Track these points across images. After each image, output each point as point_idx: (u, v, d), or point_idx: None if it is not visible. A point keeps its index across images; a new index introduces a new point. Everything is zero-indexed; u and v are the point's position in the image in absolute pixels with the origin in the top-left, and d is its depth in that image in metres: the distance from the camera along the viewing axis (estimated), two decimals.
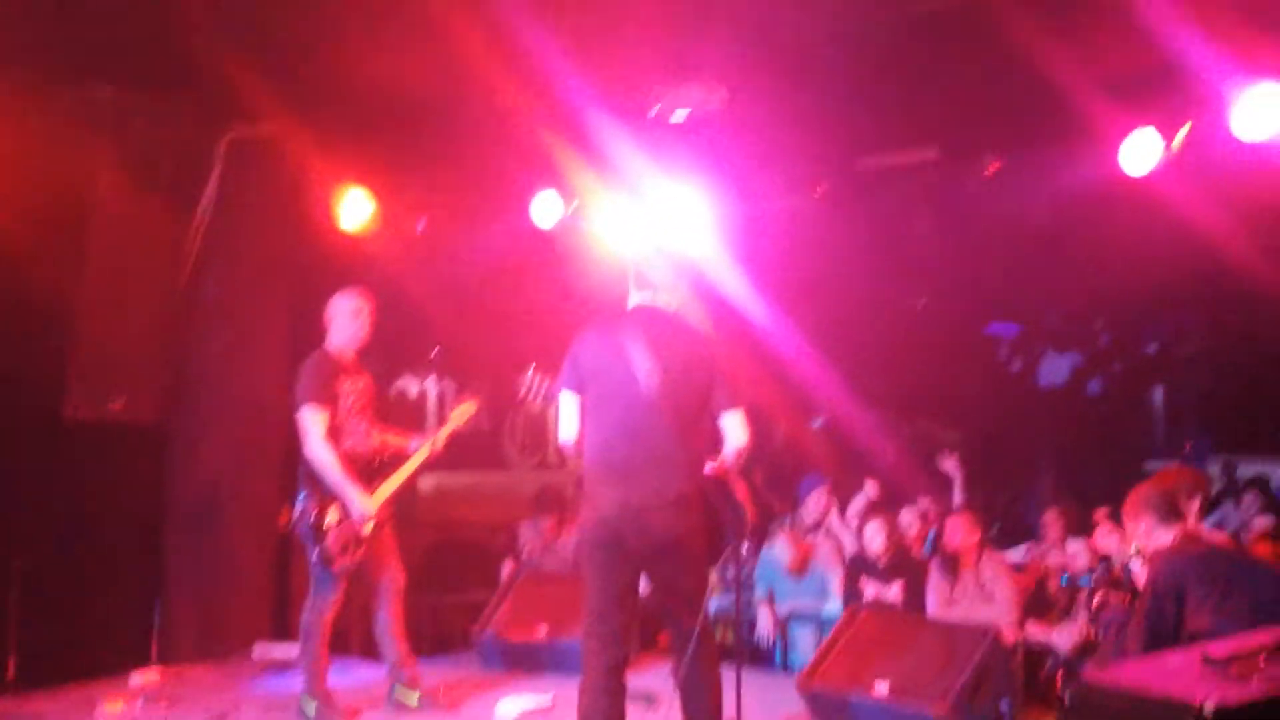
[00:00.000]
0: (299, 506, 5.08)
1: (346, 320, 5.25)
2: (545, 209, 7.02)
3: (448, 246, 7.51)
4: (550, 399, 4.41)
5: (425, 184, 7.08)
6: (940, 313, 8.66)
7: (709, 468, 4.19)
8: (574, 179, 6.78)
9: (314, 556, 5.05)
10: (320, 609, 5.10)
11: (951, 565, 5.94)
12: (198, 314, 6.55)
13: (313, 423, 5.01)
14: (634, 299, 4.32)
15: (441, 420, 10.26)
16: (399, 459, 5.31)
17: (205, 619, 6.45)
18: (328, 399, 5.06)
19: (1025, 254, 7.21)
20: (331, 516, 5.03)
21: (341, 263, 6.94)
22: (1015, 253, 7.21)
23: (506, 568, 7.12)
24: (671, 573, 4.12)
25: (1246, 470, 9.89)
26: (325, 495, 5.03)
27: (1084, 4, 4.66)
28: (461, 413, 5.51)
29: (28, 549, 5.92)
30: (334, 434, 5.04)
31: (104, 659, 5.93)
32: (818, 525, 6.87)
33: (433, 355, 10.38)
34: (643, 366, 4.06)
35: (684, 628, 4.12)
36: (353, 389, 5.21)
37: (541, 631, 6.14)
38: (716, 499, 4.24)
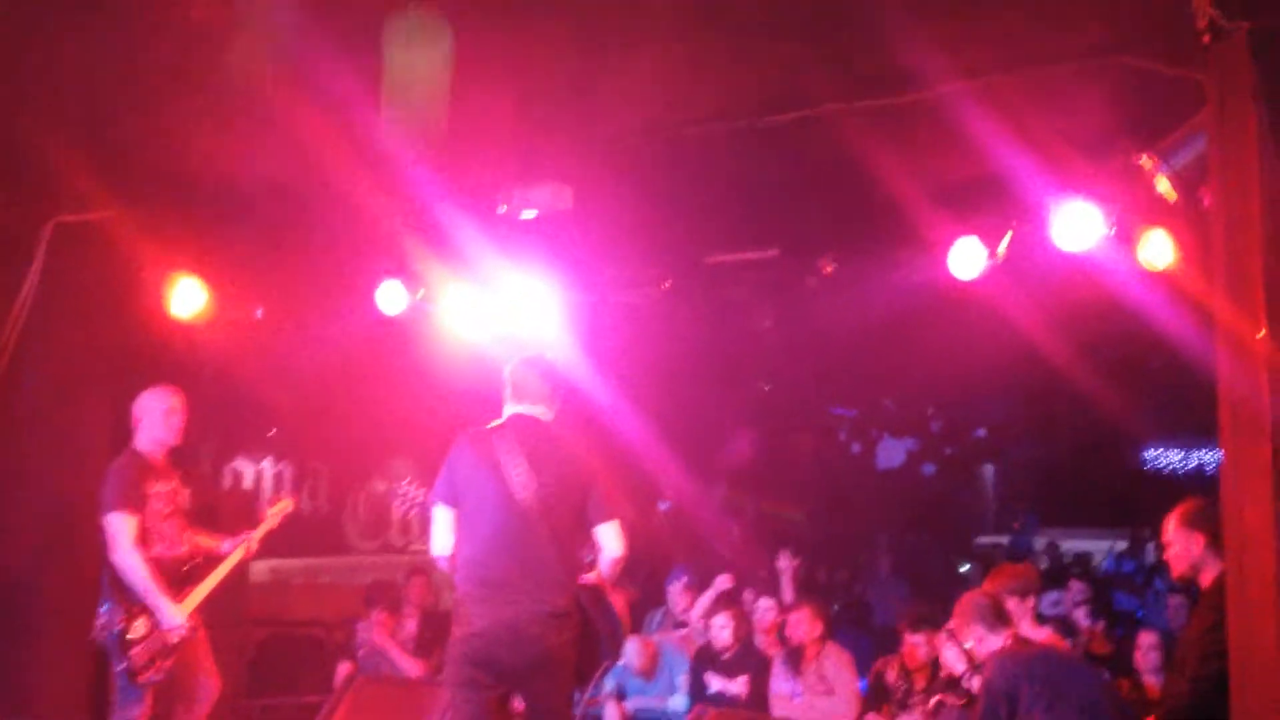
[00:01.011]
0: (103, 616, 4.88)
1: (158, 419, 5.11)
2: (391, 297, 6.92)
3: (288, 333, 7.31)
4: (426, 508, 4.37)
5: (263, 271, 6.88)
6: (784, 398, 8.87)
7: (584, 579, 4.17)
8: (421, 268, 6.72)
9: (119, 668, 4.83)
10: None
11: (795, 659, 6.02)
12: (14, 407, 6.16)
13: (120, 529, 4.83)
14: (510, 409, 4.28)
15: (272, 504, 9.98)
16: (212, 561, 5.17)
17: None
18: (136, 503, 4.90)
19: (862, 346, 7.47)
20: (139, 628, 4.84)
21: (173, 353, 6.69)
22: (853, 345, 7.46)
23: (342, 669, 6.86)
24: (543, 688, 4.06)
25: (1072, 545, 10.41)
26: (132, 604, 4.85)
27: (912, 118, 4.88)
28: (277, 511, 5.47)
29: None
30: (143, 539, 4.88)
31: None
32: (682, 623, 6.89)
33: (270, 436, 10.08)
34: (518, 479, 4.04)
35: None
36: (163, 490, 5.05)
37: None
38: (593, 612, 4.22)
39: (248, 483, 9.91)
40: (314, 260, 6.86)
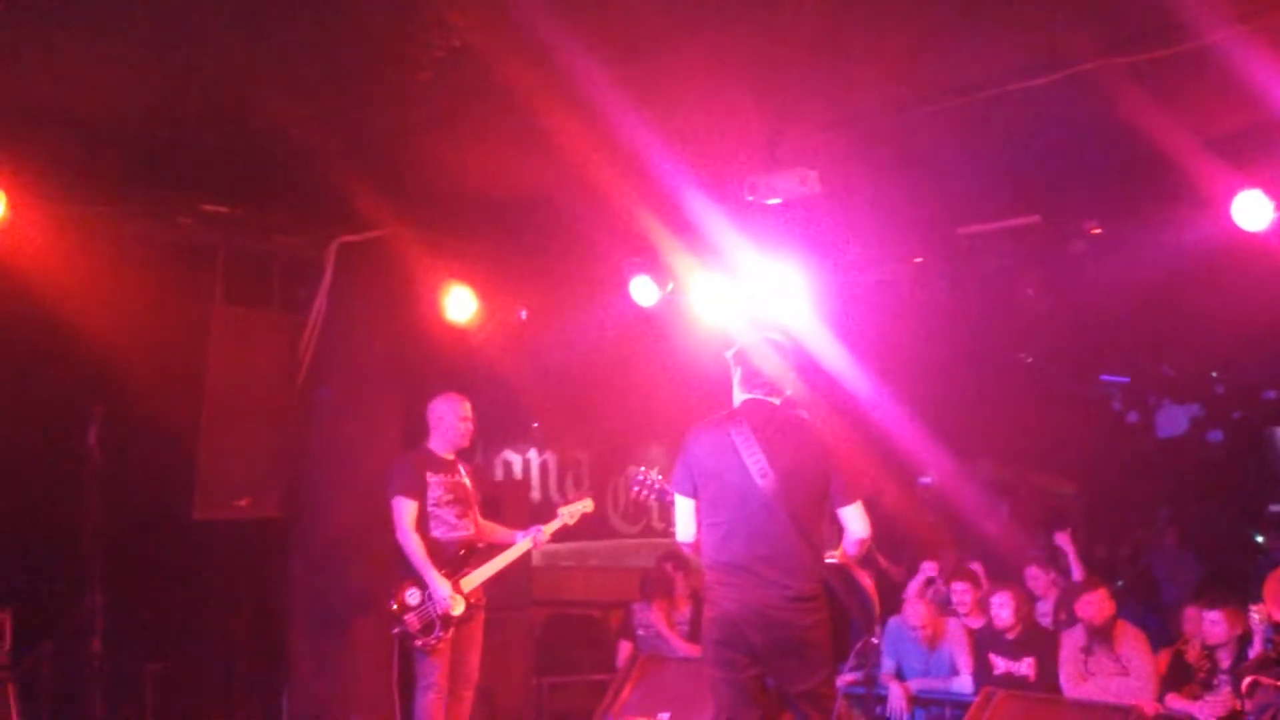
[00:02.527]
0: (393, 589, 5.38)
1: (451, 423, 5.59)
2: (643, 290, 7.12)
3: (549, 331, 7.65)
4: (664, 496, 4.49)
5: (526, 275, 7.23)
6: (1050, 369, 8.50)
7: (829, 558, 4.19)
8: (671, 261, 6.86)
9: (394, 632, 5.33)
10: (421, 691, 5.33)
11: (1093, 639, 5.79)
12: (316, 414, 6.74)
13: (401, 511, 5.32)
14: (741, 396, 4.32)
15: (544, 491, 10.44)
16: (495, 548, 5.59)
17: (332, 713, 6.56)
18: (415, 489, 5.37)
19: (1135, 311, 7.06)
20: (412, 596, 5.29)
21: (449, 355, 7.14)
22: (1124, 310, 7.06)
23: (623, 649, 7.12)
24: (796, 671, 4.10)
25: None
26: (410, 577, 5.33)
27: (1180, 70, 4.57)
28: (573, 510, 5.71)
29: (160, 653, 6.12)
30: (421, 523, 5.33)
31: None
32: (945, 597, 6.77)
33: (534, 428, 10.57)
34: (757, 466, 4.09)
35: None
36: (444, 481, 5.50)
37: (665, 717, 6.12)
38: (841, 591, 4.23)
39: (517, 472, 10.46)
40: (571, 261, 7.15)
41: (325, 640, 6.51)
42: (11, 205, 5.25)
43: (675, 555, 7.37)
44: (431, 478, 5.45)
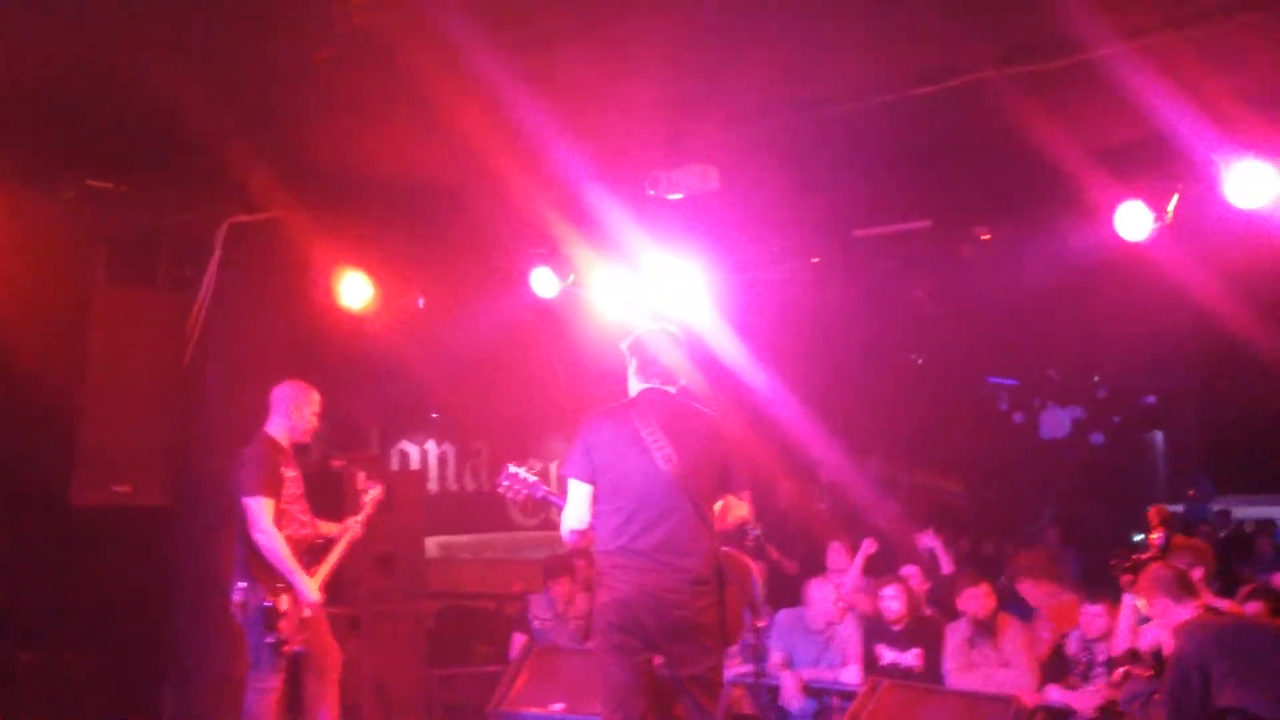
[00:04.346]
0: (241, 593, 5.14)
1: (296, 410, 5.34)
2: (543, 282, 7.10)
3: (448, 320, 7.58)
4: (534, 493, 4.52)
5: (425, 263, 7.14)
6: (939, 370, 8.72)
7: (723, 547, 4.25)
8: (572, 253, 6.86)
9: (264, 640, 5.09)
10: (263, 692, 5.15)
11: (976, 632, 5.95)
12: (201, 398, 6.56)
13: (261, 510, 5.09)
14: (638, 385, 4.36)
15: (442, 483, 10.31)
16: (329, 543, 5.41)
17: (215, 701, 6.40)
18: (274, 487, 5.15)
19: (1022, 315, 7.28)
20: (284, 602, 5.10)
21: (344, 341, 7.02)
22: (1012, 314, 7.28)
23: (517, 640, 7.10)
24: (689, 654, 4.14)
25: (1254, 512, 9.89)
26: (275, 580, 5.10)
27: (1070, 82, 4.73)
28: (372, 498, 5.57)
29: (34, 642, 5.91)
30: (279, 520, 5.14)
31: None
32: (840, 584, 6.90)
33: (432, 418, 10.48)
34: (659, 451, 4.13)
35: (702, 710, 4.14)
36: (294, 477, 5.30)
37: (558, 707, 6.12)
38: (731, 579, 4.28)
39: (414, 463, 10.35)
40: (470, 250, 7.08)
41: (208, 634, 6.35)
42: None
43: (568, 562, 7.33)
44: (284, 472, 5.24)
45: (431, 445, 10.42)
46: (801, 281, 6.98)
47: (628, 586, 4.07)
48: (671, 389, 4.33)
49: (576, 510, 4.20)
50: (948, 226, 6.19)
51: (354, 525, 5.46)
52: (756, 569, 4.46)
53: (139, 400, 6.31)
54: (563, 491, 4.42)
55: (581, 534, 4.25)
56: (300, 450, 5.47)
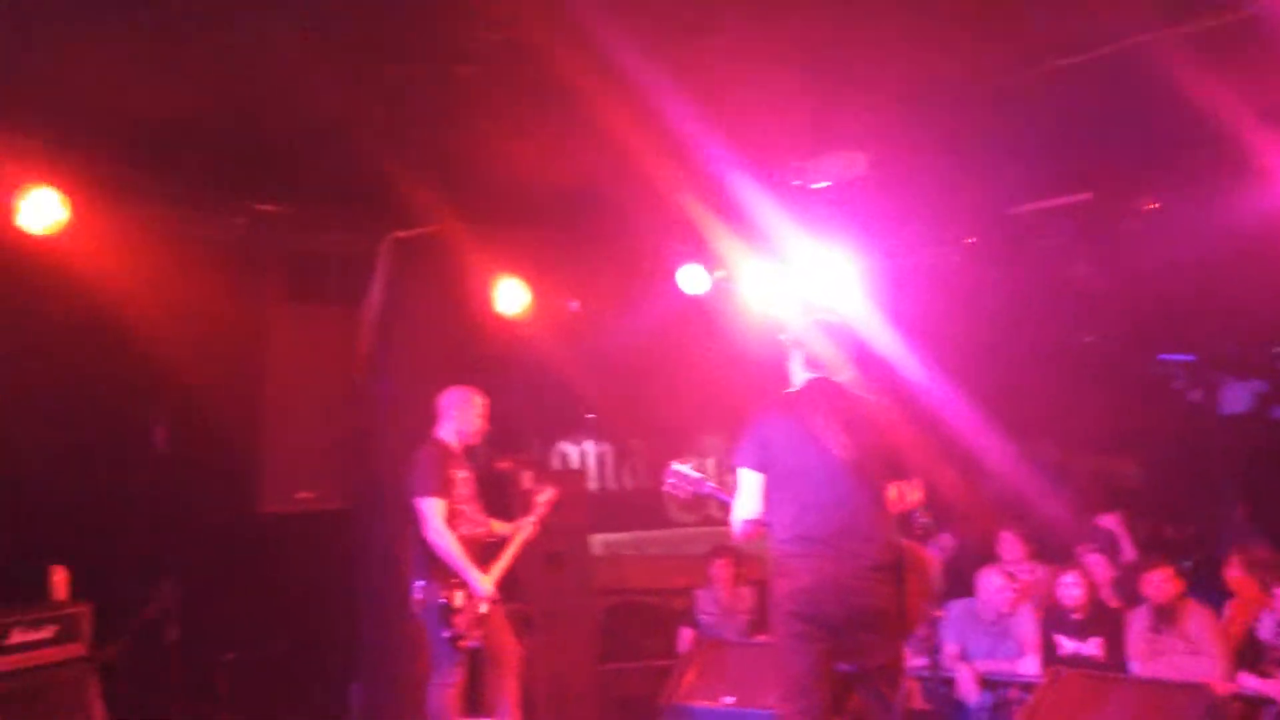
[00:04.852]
0: (420, 591, 5.34)
1: (462, 414, 5.56)
2: (693, 278, 7.16)
3: (601, 322, 7.71)
4: (700, 490, 4.55)
5: (576, 266, 7.29)
6: (1108, 349, 8.39)
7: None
8: (720, 248, 6.88)
9: (442, 636, 5.29)
10: (445, 687, 5.33)
11: (1159, 618, 5.73)
12: (375, 407, 6.86)
13: (432, 511, 5.28)
14: (802, 375, 4.37)
15: (602, 481, 10.47)
16: (503, 542, 5.60)
17: (401, 698, 6.67)
18: (443, 488, 5.33)
19: (1193, 287, 6.94)
20: (459, 599, 5.29)
21: (502, 348, 7.22)
22: (1182, 287, 6.95)
23: (684, 635, 7.17)
24: (873, 643, 4.12)
25: None
26: (449, 578, 5.29)
27: (1236, 35, 4.50)
28: (544, 499, 5.78)
29: (233, 643, 6.27)
30: (451, 520, 5.32)
31: None
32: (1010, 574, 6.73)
33: (589, 419, 10.64)
34: (832, 440, 4.14)
35: (883, 700, 4.13)
36: (464, 478, 5.49)
37: (729, 700, 6.16)
38: (910, 568, 4.25)
39: (574, 464, 10.54)
40: (620, 251, 7.19)
41: (392, 632, 6.62)
42: (73, 210, 5.41)
43: (730, 545, 7.37)
44: (454, 474, 5.45)
45: (590, 445, 10.59)
46: (956, 264, 6.83)
47: (809, 575, 4.06)
48: (838, 378, 4.33)
49: (748, 500, 4.21)
50: (1110, 198, 5.96)
51: (527, 524, 5.65)
52: (934, 559, 4.42)
53: (316, 411, 6.65)
54: (728, 486, 4.47)
55: (754, 524, 4.25)
56: (471, 452, 5.64)
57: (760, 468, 4.20)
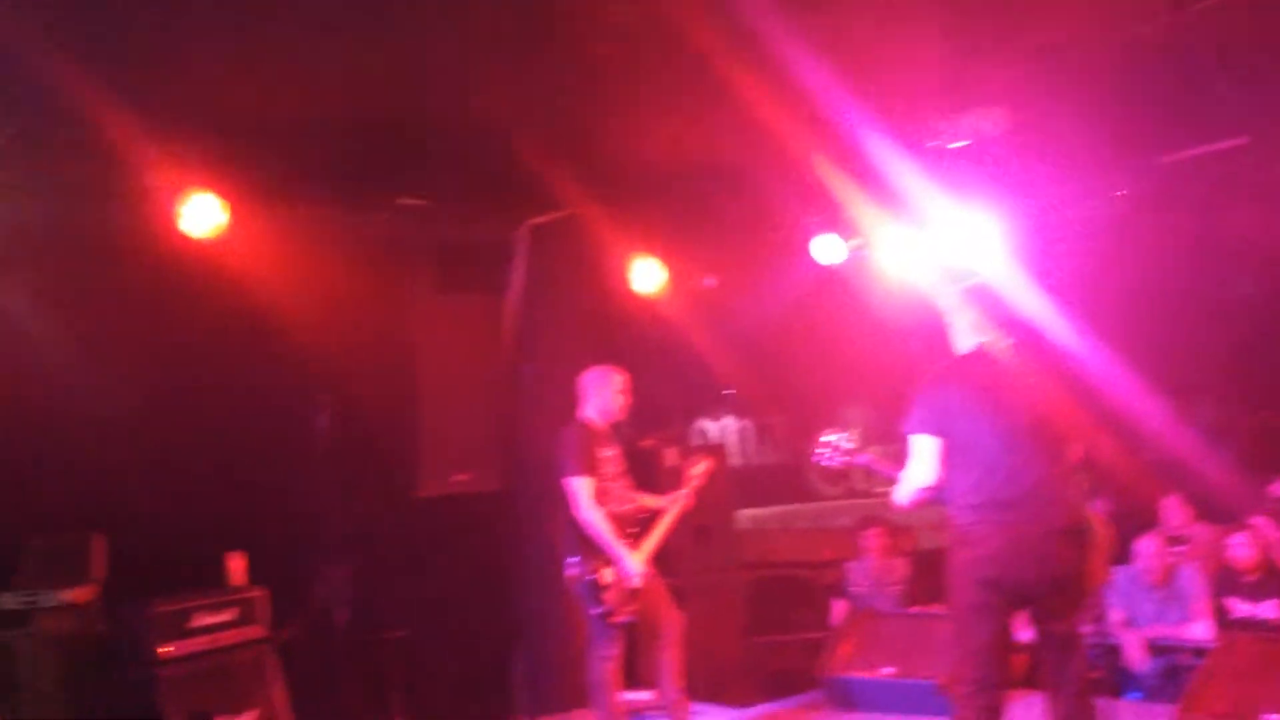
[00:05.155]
0: (574, 567, 5.43)
1: (605, 393, 5.62)
2: (828, 248, 7.10)
3: (737, 297, 7.72)
4: (854, 460, 4.53)
5: (710, 242, 7.30)
6: (1272, 300, 7.99)
7: None
8: (855, 215, 6.79)
9: (594, 612, 5.39)
10: (603, 660, 5.42)
11: None
12: (523, 390, 7.03)
13: (580, 489, 5.37)
14: (969, 340, 4.32)
15: (744, 456, 10.49)
16: (655, 517, 5.64)
17: (561, 672, 6.84)
18: (590, 467, 5.41)
19: None
20: (607, 575, 5.37)
21: (640, 326, 7.29)
22: None
23: (836, 607, 7.15)
24: (1062, 607, 4.08)
25: None
26: (597, 555, 5.37)
27: None
28: (699, 471, 5.79)
29: (399, 622, 6.51)
30: (599, 498, 5.40)
31: (474, 715, 6.43)
32: (1177, 539, 6.52)
33: (727, 394, 10.66)
34: (1009, 404, 4.10)
35: (1066, 667, 4.08)
36: (610, 456, 5.56)
37: (888, 671, 6.13)
38: (1089, 529, 4.18)
39: (714, 439, 10.58)
40: (754, 224, 7.16)
41: (549, 607, 6.79)
42: (232, 213, 5.68)
43: (882, 516, 7.31)
44: (600, 452, 5.53)
45: (729, 421, 10.61)
46: (1106, 219, 6.60)
47: (997, 540, 4.00)
48: (1003, 343, 4.28)
49: (924, 466, 4.14)
50: (1266, 141, 5.67)
51: (681, 497, 5.70)
52: (1105, 526, 4.32)
53: (468, 397, 6.86)
54: (880, 456, 4.45)
55: (930, 491, 4.18)
56: (617, 429, 5.73)
57: (938, 432, 4.13)
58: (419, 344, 6.87)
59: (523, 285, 6.93)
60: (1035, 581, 4.00)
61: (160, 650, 5.45)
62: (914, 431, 4.19)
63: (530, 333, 6.99)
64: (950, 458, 4.12)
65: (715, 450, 9.06)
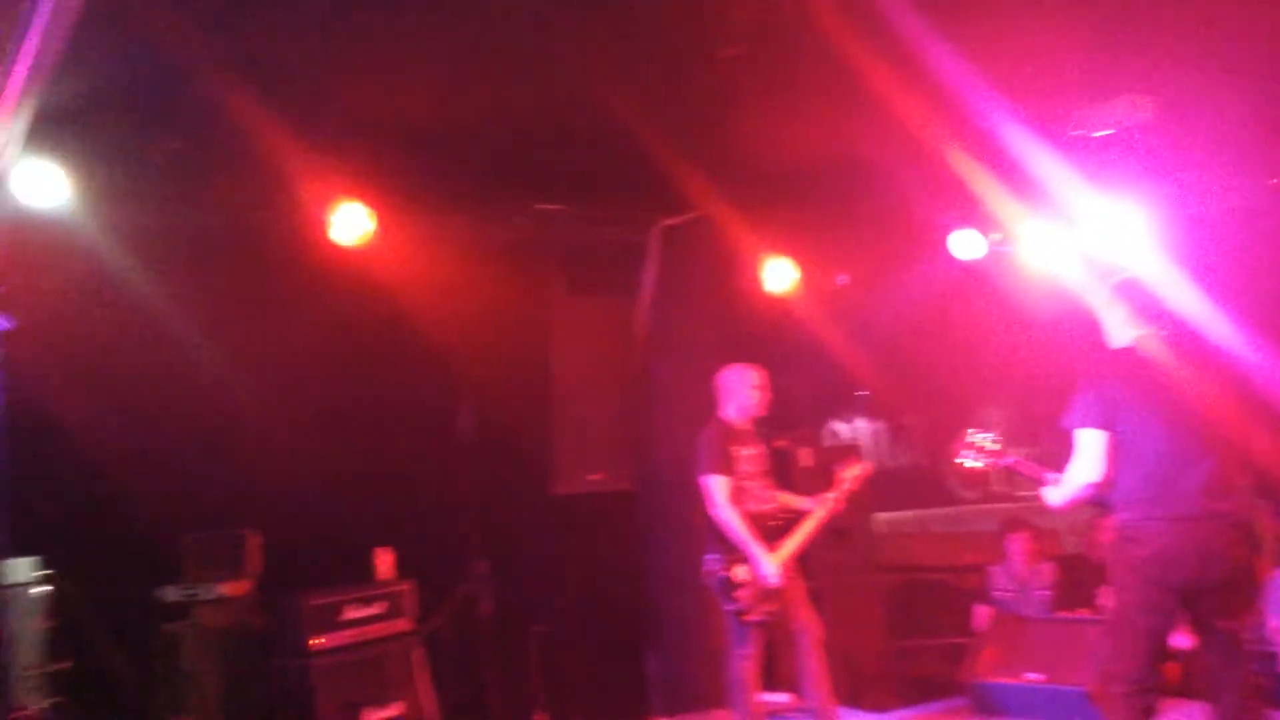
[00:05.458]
0: (709, 563, 5.44)
1: (745, 392, 5.60)
2: (966, 243, 6.96)
3: (870, 295, 7.62)
4: (999, 461, 4.43)
5: (843, 240, 7.24)
6: None
7: None
8: (995, 209, 6.64)
9: (727, 609, 5.37)
10: (741, 658, 5.38)
11: None
12: (652, 390, 7.08)
13: (715, 488, 5.37)
14: (1127, 333, 4.23)
15: (877, 458, 10.34)
16: (798, 518, 5.57)
17: (695, 669, 6.86)
18: (725, 465, 5.40)
19: None
20: (741, 574, 5.34)
21: (772, 327, 7.27)
22: None
23: (979, 612, 6.99)
24: (1234, 605, 3.96)
25: None
26: (733, 553, 5.36)
27: None
28: (853, 474, 5.70)
29: (542, 615, 6.64)
30: (736, 497, 5.37)
31: (610, 710, 6.52)
32: None
33: (859, 396, 10.51)
34: (1174, 399, 4.01)
35: (1229, 670, 3.97)
36: (749, 454, 5.53)
37: (1034, 677, 5.98)
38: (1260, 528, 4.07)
39: (847, 440, 10.44)
40: (889, 221, 7.06)
41: (683, 605, 6.82)
42: (379, 222, 5.88)
43: (1019, 522, 7.12)
44: (738, 451, 5.51)
45: (862, 423, 10.47)
46: (1261, 207, 6.31)
47: (1167, 537, 3.91)
48: (1166, 333, 4.18)
49: (1090, 462, 4.06)
50: None
51: (830, 501, 5.64)
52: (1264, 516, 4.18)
53: (601, 398, 6.96)
54: (1025, 458, 4.35)
55: (1092, 489, 4.10)
56: (759, 427, 5.71)
57: (1105, 426, 4.04)
58: (553, 346, 7.00)
59: (655, 286, 6.99)
60: (1205, 579, 3.89)
61: (312, 642, 5.66)
62: (1078, 426, 4.09)
63: (662, 334, 7.04)
64: (1115, 453, 4.03)
65: (849, 452, 8.97)
